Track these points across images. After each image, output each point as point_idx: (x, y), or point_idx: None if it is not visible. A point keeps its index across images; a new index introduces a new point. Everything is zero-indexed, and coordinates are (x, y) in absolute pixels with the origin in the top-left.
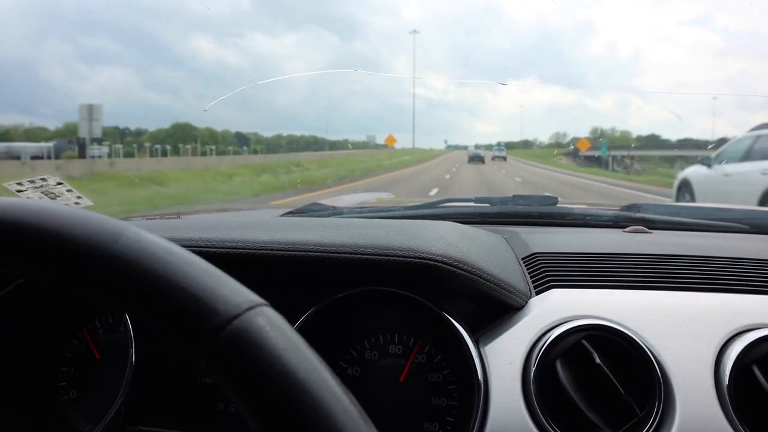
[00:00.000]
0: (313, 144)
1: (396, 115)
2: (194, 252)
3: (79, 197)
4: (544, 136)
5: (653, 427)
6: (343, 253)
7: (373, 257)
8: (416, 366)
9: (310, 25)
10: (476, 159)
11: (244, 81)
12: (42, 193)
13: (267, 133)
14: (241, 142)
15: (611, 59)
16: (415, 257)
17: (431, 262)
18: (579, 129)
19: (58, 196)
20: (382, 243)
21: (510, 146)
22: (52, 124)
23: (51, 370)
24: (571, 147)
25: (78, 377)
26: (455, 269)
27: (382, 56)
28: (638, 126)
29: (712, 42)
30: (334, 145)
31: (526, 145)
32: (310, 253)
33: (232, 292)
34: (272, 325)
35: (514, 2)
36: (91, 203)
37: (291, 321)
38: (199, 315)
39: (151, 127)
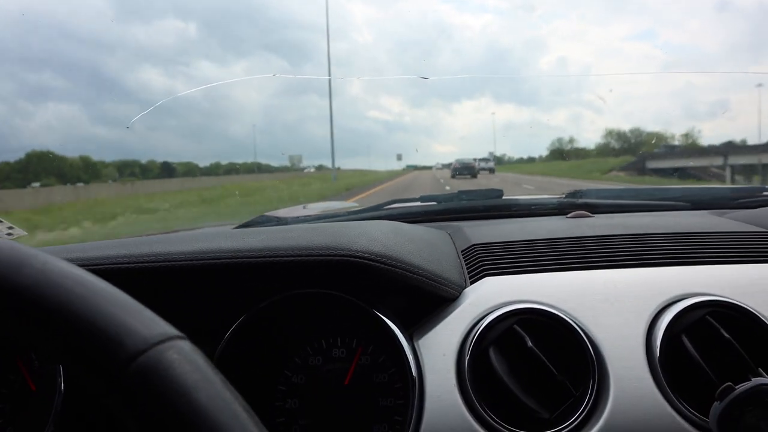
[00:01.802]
0: (255, 170)
1: (354, 138)
2: (111, 268)
3: (10, 227)
4: (512, 152)
5: (589, 405)
6: (262, 257)
7: (293, 258)
8: (361, 368)
9: (260, 52)
10: (464, 171)
11: (195, 110)
12: None
13: (206, 162)
14: (167, 172)
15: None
16: (336, 255)
17: (352, 259)
18: (582, 139)
19: None
20: (302, 244)
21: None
22: None
23: None
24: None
25: (14, 412)
26: (379, 264)
27: (335, 79)
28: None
29: (657, 56)
30: (279, 170)
31: (499, 161)
32: (227, 260)
33: (143, 324)
34: (184, 360)
35: (465, 23)
36: (25, 233)
37: (222, 332)
38: (105, 350)
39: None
